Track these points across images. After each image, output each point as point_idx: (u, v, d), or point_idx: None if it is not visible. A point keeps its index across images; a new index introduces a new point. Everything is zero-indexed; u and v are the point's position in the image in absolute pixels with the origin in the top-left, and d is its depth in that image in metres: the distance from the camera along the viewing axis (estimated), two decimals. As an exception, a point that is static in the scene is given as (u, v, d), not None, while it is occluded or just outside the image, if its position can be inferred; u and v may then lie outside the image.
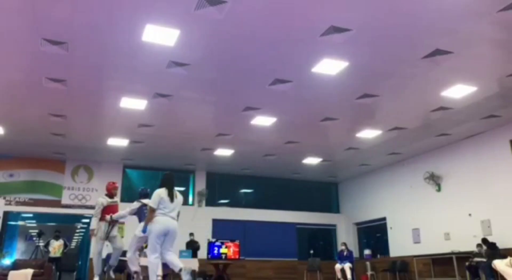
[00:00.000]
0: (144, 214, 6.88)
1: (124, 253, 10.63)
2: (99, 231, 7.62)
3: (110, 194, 7.95)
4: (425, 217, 12.61)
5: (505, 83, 8.13)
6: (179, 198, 6.05)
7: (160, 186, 5.97)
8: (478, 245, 10.38)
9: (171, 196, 5.87)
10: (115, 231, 7.85)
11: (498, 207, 10.46)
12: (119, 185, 8.49)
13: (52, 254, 12.06)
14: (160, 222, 5.74)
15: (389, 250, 14.08)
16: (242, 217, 14.72)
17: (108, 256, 8.66)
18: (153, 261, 5.76)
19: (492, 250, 9.83)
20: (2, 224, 12.59)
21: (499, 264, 4.06)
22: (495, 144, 10.68)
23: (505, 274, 3.93)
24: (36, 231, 17.65)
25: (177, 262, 5.79)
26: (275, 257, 14.70)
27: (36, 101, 8.78)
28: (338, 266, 12.54)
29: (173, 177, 6.15)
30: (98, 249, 7.73)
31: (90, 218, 14.15)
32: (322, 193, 17.02)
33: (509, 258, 3.97)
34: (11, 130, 10.59)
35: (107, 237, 7.70)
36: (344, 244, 13.32)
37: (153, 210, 5.78)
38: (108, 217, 7.61)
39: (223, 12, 5.79)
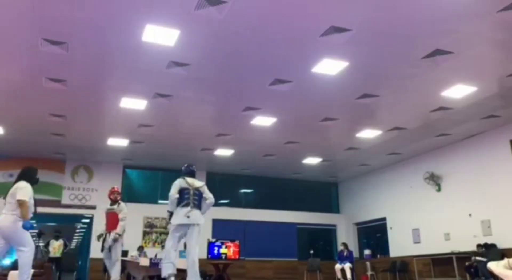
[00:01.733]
0: (182, 199, 5.95)
1: (125, 254, 10.63)
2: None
3: (111, 200, 7.60)
4: (425, 217, 12.61)
5: (505, 83, 8.13)
6: (11, 190, 5.33)
7: None
8: (479, 246, 10.39)
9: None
10: (113, 241, 7.18)
11: (498, 207, 10.46)
12: (119, 188, 7.95)
13: (52, 254, 12.07)
14: None
15: (389, 250, 14.07)
16: (242, 217, 14.72)
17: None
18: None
19: (491, 251, 9.84)
20: (2, 224, 12.57)
21: (494, 267, 3.97)
22: (495, 144, 10.68)
23: (503, 276, 3.87)
24: (36, 231, 17.65)
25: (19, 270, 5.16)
26: (275, 257, 14.70)
27: (36, 101, 8.77)
28: (338, 266, 12.54)
29: (20, 172, 5.74)
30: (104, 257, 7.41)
31: (90, 218, 14.30)
32: (322, 193, 17.02)
33: (507, 260, 3.90)
34: (11, 130, 10.59)
35: (107, 247, 7.25)
36: (344, 244, 13.32)
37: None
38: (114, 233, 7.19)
39: (223, 12, 5.79)
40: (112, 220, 7.35)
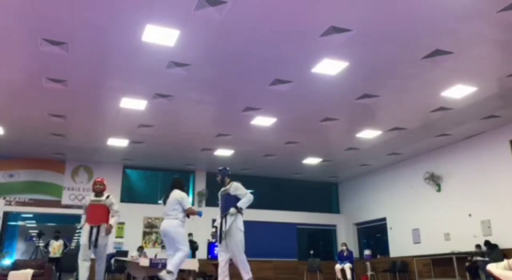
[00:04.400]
0: (225, 201, 6.21)
1: (125, 254, 10.62)
2: (82, 235, 6.52)
3: (94, 191, 6.79)
4: (425, 218, 12.61)
5: (505, 84, 8.13)
6: (170, 197, 6.06)
7: None
8: (477, 246, 10.39)
9: (164, 199, 6.12)
10: (105, 239, 6.63)
11: (498, 207, 10.46)
12: (107, 182, 7.03)
13: (52, 255, 12.05)
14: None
15: (389, 250, 14.08)
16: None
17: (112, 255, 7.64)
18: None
19: (492, 250, 9.83)
20: (2, 224, 12.59)
21: (494, 268, 3.93)
22: (495, 144, 10.68)
23: (503, 277, 3.83)
24: (36, 231, 17.65)
25: (170, 264, 5.77)
26: (275, 258, 14.69)
27: (36, 101, 8.77)
28: (338, 267, 12.55)
29: (174, 181, 6.33)
30: (82, 256, 6.46)
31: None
32: (322, 193, 17.02)
33: (506, 261, 3.87)
34: (11, 130, 10.59)
35: (95, 244, 6.45)
36: (344, 244, 13.33)
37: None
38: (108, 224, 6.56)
39: (223, 13, 5.79)
40: (100, 212, 6.65)
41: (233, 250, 5.90)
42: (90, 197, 6.83)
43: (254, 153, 12.63)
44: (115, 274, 10.95)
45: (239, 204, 5.97)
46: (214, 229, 6.22)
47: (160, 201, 14.90)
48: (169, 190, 6.19)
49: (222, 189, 6.33)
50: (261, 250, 14.47)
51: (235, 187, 6.14)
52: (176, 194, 6.08)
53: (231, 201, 6.05)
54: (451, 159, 11.93)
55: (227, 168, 6.46)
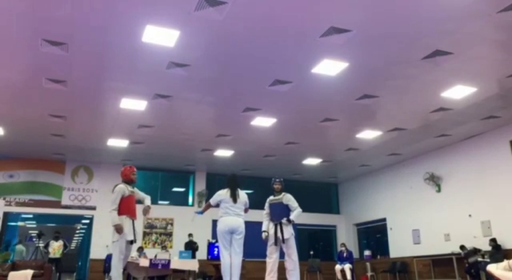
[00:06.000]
0: (278, 209, 6.83)
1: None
2: (124, 229, 5.79)
3: (130, 181, 6.11)
4: (425, 218, 12.61)
5: (505, 84, 8.13)
6: (241, 197, 6.23)
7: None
8: (461, 247, 10.50)
9: (234, 196, 6.14)
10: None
11: (498, 208, 10.46)
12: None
13: (52, 255, 12.06)
14: (223, 221, 6.12)
15: (389, 251, 14.07)
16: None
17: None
18: (222, 262, 6.20)
19: (497, 251, 9.81)
20: (2, 225, 12.59)
21: (494, 269, 3.92)
22: (495, 144, 10.68)
23: (504, 278, 3.82)
24: (36, 232, 17.64)
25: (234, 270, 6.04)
26: (275, 258, 14.66)
27: (36, 101, 8.77)
28: (338, 267, 12.56)
29: (237, 179, 6.42)
30: (117, 257, 5.75)
31: (90, 219, 14.27)
32: (322, 194, 17.00)
33: (506, 261, 3.87)
34: (11, 131, 10.59)
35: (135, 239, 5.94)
36: (343, 244, 13.34)
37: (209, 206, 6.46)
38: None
39: (223, 13, 5.79)
40: (135, 205, 6.20)
41: (291, 254, 6.48)
42: (127, 187, 6.04)
43: (254, 154, 12.63)
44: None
45: (292, 217, 6.64)
46: (266, 234, 6.67)
47: (160, 202, 14.92)
48: (233, 187, 6.22)
49: (273, 198, 6.98)
50: (261, 250, 14.46)
51: (288, 198, 6.85)
52: (244, 194, 6.31)
53: (284, 210, 6.72)
54: (451, 160, 11.94)
55: None
